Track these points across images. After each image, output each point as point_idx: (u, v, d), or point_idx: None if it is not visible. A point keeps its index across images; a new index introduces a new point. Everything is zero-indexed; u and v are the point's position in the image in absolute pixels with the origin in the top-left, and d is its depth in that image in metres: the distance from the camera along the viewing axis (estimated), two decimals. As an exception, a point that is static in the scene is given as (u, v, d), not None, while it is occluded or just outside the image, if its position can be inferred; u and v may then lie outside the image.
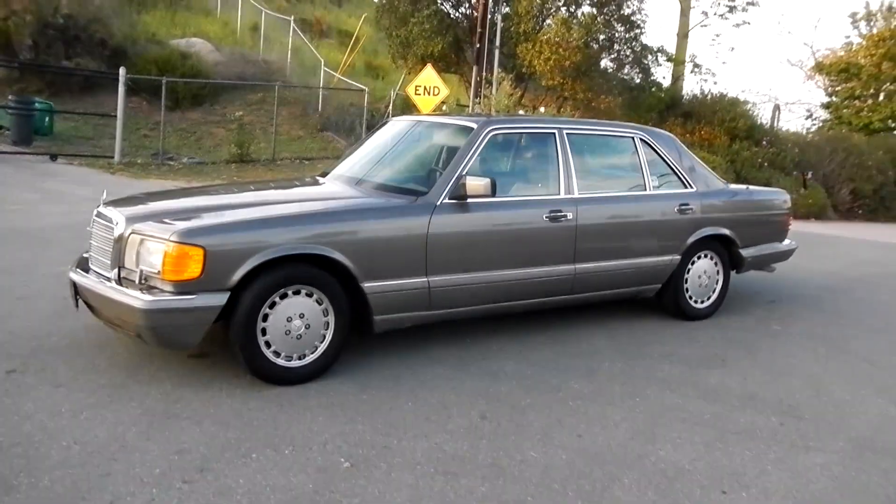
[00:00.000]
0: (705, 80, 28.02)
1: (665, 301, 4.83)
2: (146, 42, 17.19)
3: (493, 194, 3.78)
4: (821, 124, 23.03)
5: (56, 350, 3.77)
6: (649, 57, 15.56)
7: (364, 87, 16.40)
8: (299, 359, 3.48)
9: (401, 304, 3.72)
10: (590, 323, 4.72)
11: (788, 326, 4.93)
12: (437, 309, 3.86)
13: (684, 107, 15.59)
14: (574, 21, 14.14)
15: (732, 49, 50.20)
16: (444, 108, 12.91)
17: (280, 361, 3.43)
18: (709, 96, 15.63)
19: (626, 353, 4.19)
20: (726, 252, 4.99)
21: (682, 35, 18.06)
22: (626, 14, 14.85)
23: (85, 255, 3.90)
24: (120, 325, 3.41)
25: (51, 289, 4.91)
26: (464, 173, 3.87)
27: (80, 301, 3.60)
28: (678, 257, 4.71)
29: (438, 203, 3.79)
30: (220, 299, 3.24)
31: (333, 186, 4.23)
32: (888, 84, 21.59)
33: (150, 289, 3.23)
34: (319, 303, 3.50)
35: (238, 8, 20.80)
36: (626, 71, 15.55)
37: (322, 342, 3.53)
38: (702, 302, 4.94)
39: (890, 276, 7.36)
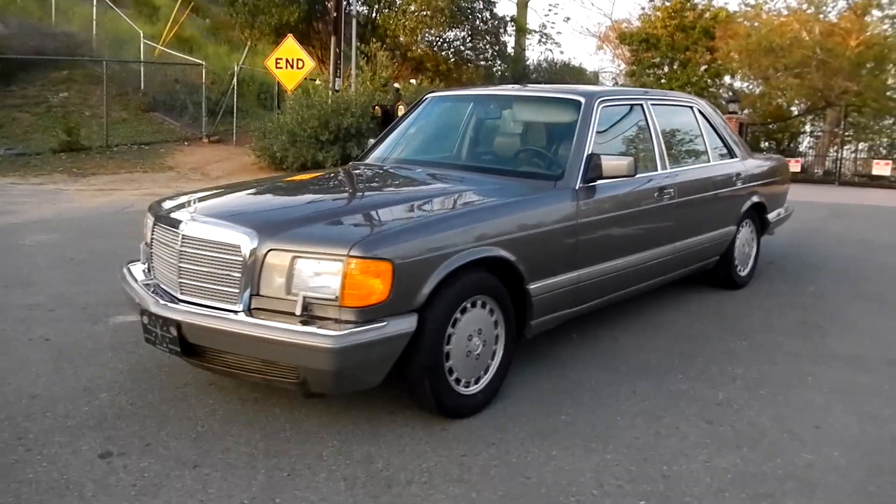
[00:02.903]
0: (550, 51, 28.50)
1: (717, 272, 4.77)
2: None
3: (636, 174, 3.41)
4: (626, 92, 24.80)
5: (126, 413, 2.82)
6: (500, 28, 15.64)
7: (201, 62, 14.76)
8: (475, 383, 2.90)
9: (554, 304, 3.24)
10: (654, 303, 4.51)
11: (820, 287, 5.08)
12: (579, 305, 3.43)
13: (534, 76, 15.95)
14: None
15: (568, 19, 51.77)
16: (317, 82, 11.98)
17: (461, 389, 2.83)
18: (557, 65, 16.13)
19: (730, 330, 4.05)
20: (759, 219, 5.05)
21: (522, 4, 18.36)
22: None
23: (147, 281, 2.95)
24: (260, 373, 2.59)
25: (7, 330, 3.77)
26: (591, 152, 3.45)
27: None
28: (734, 227, 4.67)
29: (577, 187, 3.34)
30: (411, 324, 2.57)
31: (443, 174, 3.56)
32: (681, 53, 23.82)
33: (311, 320, 2.48)
34: (491, 313, 2.93)
35: (15, -28, 17.68)
36: (480, 42, 15.49)
37: (493, 360, 2.98)
38: (743, 270, 4.96)
39: (822, 231, 7.74)
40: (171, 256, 2.78)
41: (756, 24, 25.95)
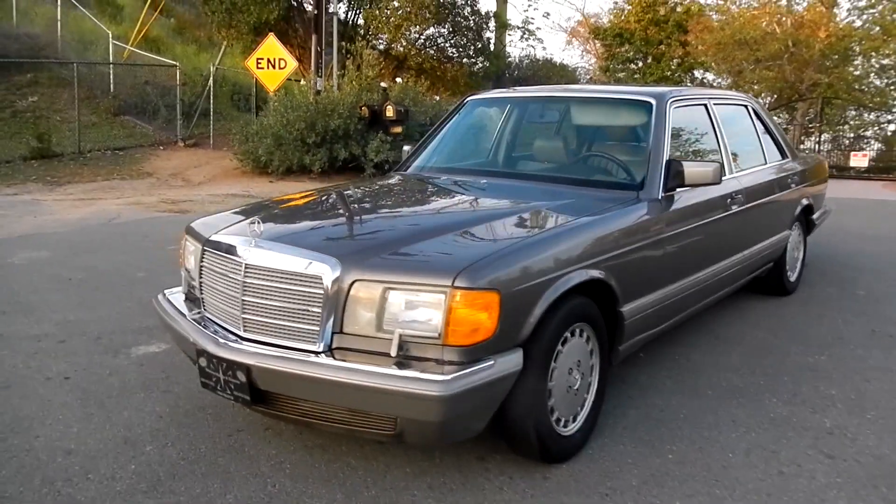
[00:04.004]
0: (532, 47, 27.95)
1: (769, 279, 4.53)
2: None
3: (720, 181, 3.14)
4: (601, 88, 24.66)
5: (181, 470, 2.46)
6: (482, 24, 15.31)
7: (174, 63, 14.17)
8: (573, 421, 2.59)
9: (643, 325, 2.95)
10: (713, 316, 4.24)
11: (870, 290, 4.88)
12: (662, 324, 3.15)
13: (517, 73, 15.68)
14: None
15: (547, 15, 51.82)
16: (302, 83, 11.53)
17: (560, 429, 2.52)
18: (541, 62, 15.87)
19: (802, 343, 3.80)
20: (805, 221, 4.83)
21: (503, 0, 18.05)
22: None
23: (195, 315, 2.58)
24: (345, 424, 2.25)
25: (19, 366, 3.36)
26: (668, 158, 3.16)
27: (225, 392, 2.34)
28: (789, 231, 4.44)
29: (659, 197, 3.05)
30: (517, 361, 2.25)
31: (509, 185, 3.26)
32: (654, 48, 23.77)
33: (406, 361, 2.15)
34: (587, 342, 2.63)
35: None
36: (463, 38, 15.14)
37: (588, 393, 2.67)
38: (793, 275, 4.74)
39: (840, 228, 7.27)
40: (231, 289, 2.42)
41: (725, 17, 26.02)
